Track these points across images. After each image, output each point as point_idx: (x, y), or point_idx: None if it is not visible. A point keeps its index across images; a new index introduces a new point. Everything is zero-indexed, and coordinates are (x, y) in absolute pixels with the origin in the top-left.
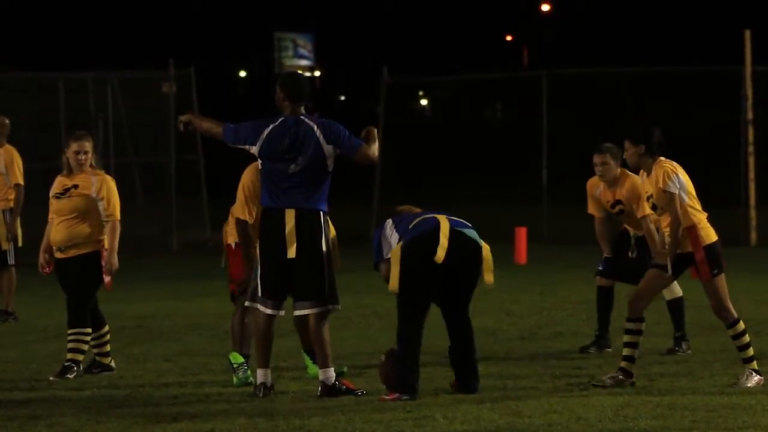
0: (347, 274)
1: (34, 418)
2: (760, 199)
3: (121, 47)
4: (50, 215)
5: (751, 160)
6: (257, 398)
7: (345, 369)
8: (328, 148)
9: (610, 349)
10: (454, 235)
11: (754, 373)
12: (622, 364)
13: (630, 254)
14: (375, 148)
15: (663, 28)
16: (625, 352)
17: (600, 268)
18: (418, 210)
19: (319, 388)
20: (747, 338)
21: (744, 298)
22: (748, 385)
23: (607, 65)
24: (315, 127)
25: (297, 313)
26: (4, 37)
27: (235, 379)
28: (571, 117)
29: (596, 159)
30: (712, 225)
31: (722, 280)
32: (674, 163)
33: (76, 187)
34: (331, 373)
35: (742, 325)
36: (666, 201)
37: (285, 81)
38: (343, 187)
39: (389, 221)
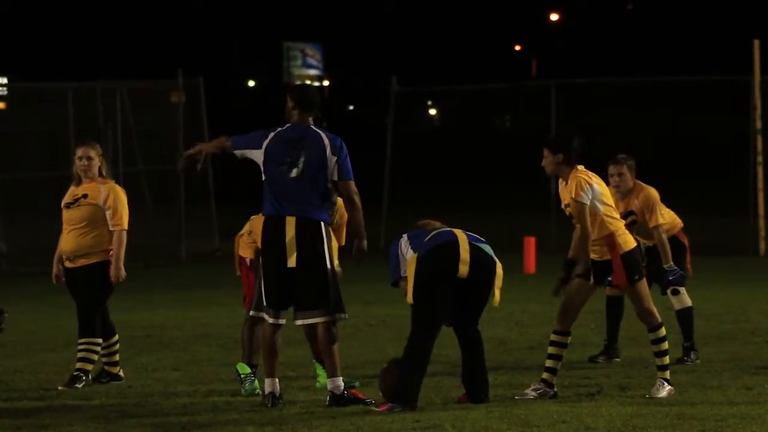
0: (355, 284)
1: (43, 427)
2: None
3: (130, 57)
4: (63, 224)
5: (760, 170)
6: (266, 408)
7: (357, 383)
8: (332, 159)
9: (618, 359)
10: (473, 249)
11: (665, 383)
12: (544, 375)
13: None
14: (359, 211)
15: (672, 37)
16: (548, 363)
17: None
18: (438, 224)
19: (328, 398)
20: (666, 345)
21: (753, 307)
22: (660, 395)
23: (616, 75)
24: (323, 136)
25: (299, 322)
26: (13, 48)
27: (242, 390)
28: (579, 126)
29: (612, 170)
30: (720, 234)
31: (644, 285)
32: (590, 173)
33: (85, 196)
34: (340, 382)
35: (663, 332)
36: (577, 211)
37: (294, 90)
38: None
39: (404, 237)
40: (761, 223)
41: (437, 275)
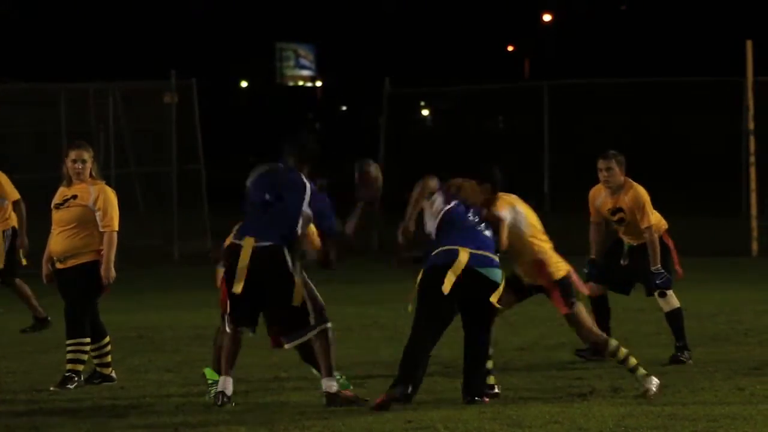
0: (350, 285)
1: (35, 429)
2: (761, 209)
3: (122, 58)
4: (53, 225)
5: (753, 170)
6: (258, 408)
7: (343, 378)
8: (306, 212)
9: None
10: (468, 273)
11: (648, 377)
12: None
13: (622, 262)
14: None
15: (665, 38)
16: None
17: (586, 271)
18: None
19: (324, 399)
20: (623, 351)
21: (746, 308)
22: (650, 386)
23: (609, 75)
24: (308, 186)
25: (288, 346)
26: (5, 48)
27: (207, 397)
28: (572, 127)
29: (601, 164)
30: (713, 235)
31: (580, 307)
32: (513, 196)
33: (75, 197)
34: (333, 382)
35: (614, 342)
36: (495, 226)
37: (293, 145)
38: (344, 199)
39: (438, 197)
40: (753, 223)
41: (432, 293)
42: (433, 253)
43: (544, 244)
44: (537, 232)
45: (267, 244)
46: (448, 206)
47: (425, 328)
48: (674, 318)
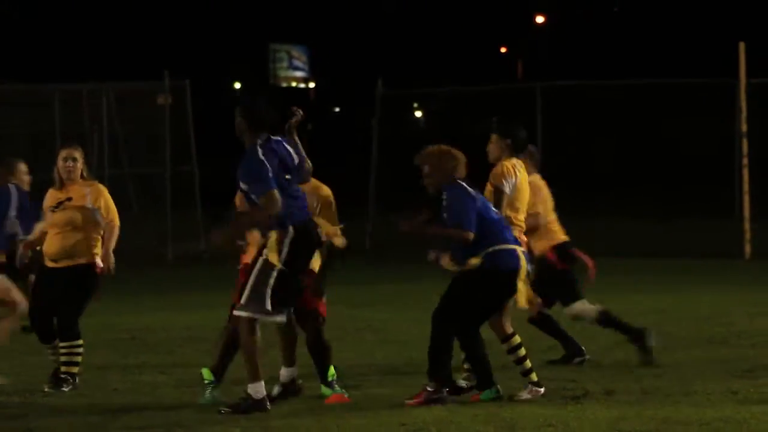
0: (342, 287)
1: (29, 431)
2: (754, 211)
3: (116, 59)
4: (48, 227)
5: (745, 173)
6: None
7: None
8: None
9: (583, 357)
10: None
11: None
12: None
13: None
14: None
15: (658, 40)
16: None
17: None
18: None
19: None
20: (521, 351)
21: (739, 310)
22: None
23: (602, 77)
24: (283, 142)
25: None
26: (1, 49)
27: (201, 399)
28: (565, 129)
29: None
30: (706, 237)
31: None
32: (521, 162)
33: (69, 199)
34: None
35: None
36: (490, 195)
37: (246, 111)
38: (336, 200)
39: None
40: (746, 225)
41: (493, 297)
42: (490, 251)
43: (515, 225)
44: (515, 211)
45: (309, 216)
46: (475, 202)
47: (475, 324)
48: (606, 321)
